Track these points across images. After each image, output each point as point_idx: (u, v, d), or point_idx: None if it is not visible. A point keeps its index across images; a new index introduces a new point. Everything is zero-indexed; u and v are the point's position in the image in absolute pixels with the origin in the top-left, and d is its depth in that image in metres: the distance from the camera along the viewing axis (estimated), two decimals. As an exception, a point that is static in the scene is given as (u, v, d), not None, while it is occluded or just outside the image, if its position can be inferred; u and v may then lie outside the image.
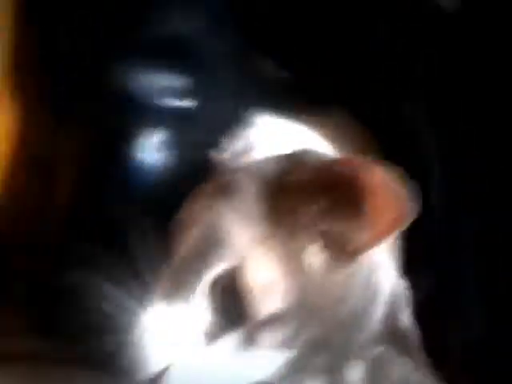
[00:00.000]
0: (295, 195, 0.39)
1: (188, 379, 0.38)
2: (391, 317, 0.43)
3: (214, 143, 0.50)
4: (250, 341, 0.38)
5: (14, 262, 0.55)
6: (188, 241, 0.40)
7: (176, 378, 0.38)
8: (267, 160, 0.44)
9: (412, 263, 0.46)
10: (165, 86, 0.48)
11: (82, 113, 0.49)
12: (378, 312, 0.42)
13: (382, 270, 0.42)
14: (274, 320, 0.37)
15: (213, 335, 0.38)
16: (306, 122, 0.52)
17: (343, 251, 0.38)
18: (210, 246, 0.39)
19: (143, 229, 0.40)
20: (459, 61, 0.53)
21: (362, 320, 0.40)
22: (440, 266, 0.49)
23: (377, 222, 0.36)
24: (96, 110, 0.48)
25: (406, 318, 0.44)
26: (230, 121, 0.51)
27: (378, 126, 0.51)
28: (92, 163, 0.48)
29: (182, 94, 0.48)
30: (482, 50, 0.52)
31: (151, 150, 0.47)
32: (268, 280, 0.37)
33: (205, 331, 0.39)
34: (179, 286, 0.39)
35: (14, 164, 0.54)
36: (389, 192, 0.34)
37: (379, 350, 0.43)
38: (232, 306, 0.38)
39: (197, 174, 0.45)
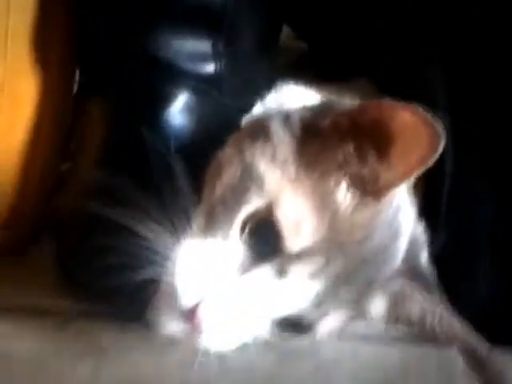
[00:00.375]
0: (326, 139, 0.42)
1: (222, 310, 0.40)
2: (412, 255, 0.46)
3: (240, 107, 0.52)
4: (281, 273, 0.40)
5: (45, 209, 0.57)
6: (223, 181, 0.43)
7: (210, 310, 0.40)
8: (299, 107, 0.46)
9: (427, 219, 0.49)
10: (193, 51, 0.50)
11: (109, 76, 0.51)
12: (400, 249, 0.45)
13: (403, 210, 0.44)
14: (303, 254, 0.40)
15: (246, 268, 0.41)
16: (327, 90, 0.54)
17: (370, 190, 0.41)
18: (245, 184, 0.41)
19: (175, 176, 0.42)
20: (477, 22, 0.54)
21: (384, 256, 0.43)
22: (454, 223, 0.51)
23: (403, 161, 0.38)
24: (125, 74, 0.50)
25: (424, 258, 0.46)
26: (255, 86, 0.54)
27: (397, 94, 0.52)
28: (120, 124, 0.49)
29: (209, 58, 0.50)
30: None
31: (180, 112, 0.49)
32: (298, 216, 0.40)
33: (238, 264, 0.41)
34: (215, 222, 0.42)
35: (38, 127, 0.55)
36: (416, 131, 0.37)
37: (400, 284, 0.46)
38: (264, 240, 0.40)
39: (223, 136, 0.47)
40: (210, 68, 0.50)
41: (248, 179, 0.41)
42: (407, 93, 0.48)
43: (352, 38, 0.58)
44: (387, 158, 0.39)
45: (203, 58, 0.50)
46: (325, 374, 0.48)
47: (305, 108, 0.46)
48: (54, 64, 0.56)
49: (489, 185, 0.53)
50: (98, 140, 0.50)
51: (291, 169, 0.41)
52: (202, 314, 0.40)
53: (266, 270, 0.40)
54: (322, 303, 0.42)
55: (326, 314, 0.43)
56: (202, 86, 0.50)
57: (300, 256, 0.40)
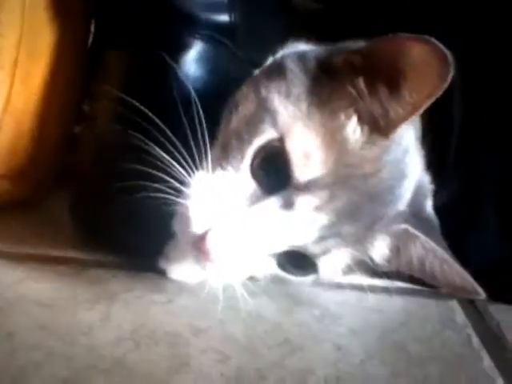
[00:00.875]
0: (339, 76, 0.43)
1: (230, 239, 0.42)
2: (417, 200, 0.47)
3: (251, 59, 0.53)
4: (288, 204, 0.42)
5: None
6: (239, 114, 0.44)
7: (219, 238, 0.41)
8: (314, 47, 0.48)
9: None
10: (209, 0, 0.51)
11: (125, 27, 0.52)
12: (405, 193, 0.46)
13: (411, 154, 0.46)
14: (310, 186, 0.41)
15: (255, 199, 0.43)
16: None
17: (379, 126, 0.42)
18: (259, 117, 0.43)
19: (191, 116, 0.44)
20: None
21: (390, 195, 0.45)
22: (461, 176, 0.53)
23: (414, 92, 0.39)
24: (140, 23, 0.51)
25: (429, 206, 0.48)
26: (267, 40, 0.55)
27: None
28: (137, 73, 0.50)
29: (224, 8, 0.51)
30: None
31: (194, 61, 0.50)
32: (308, 149, 0.41)
33: (248, 196, 0.43)
34: (228, 154, 0.43)
35: (53, 79, 0.56)
36: (426, 61, 0.38)
37: (404, 227, 0.47)
38: (274, 174, 0.42)
39: (235, 86, 0.48)
40: (224, 18, 0.51)
41: (262, 112, 0.43)
42: None
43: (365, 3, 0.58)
44: (397, 92, 0.40)
45: (218, 8, 0.51)
46: (329, 321, 0.49)
47: (320, 48, 0.48)
48: (69, 19, 0.57)
49: (495, 143, 0.54)
50: (116, 87, 0.51)
51: (304, 104, 0.43)
52: (210, 242, 0.41)
53: (273, 202, 0.42)
54: (326, 237, 0.43)
55: (329, 250, 0.44)
56: (216, 36, 0.51)
57: (307, 188, 0.41)
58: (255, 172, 0.43)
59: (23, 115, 0.56)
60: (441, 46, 0.36)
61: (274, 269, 0.47)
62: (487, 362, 0.46)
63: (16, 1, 0.52)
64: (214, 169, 0.44)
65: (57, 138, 0.61)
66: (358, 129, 0.42)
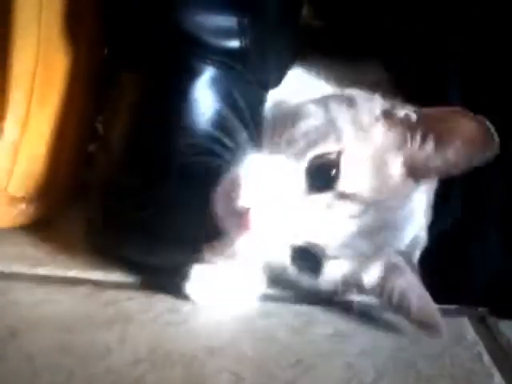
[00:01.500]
0: (395, 122, 0.50)
1: (270, 218, 0.46)
2: (411, 247, 0.52)
3: (262, 82, 0.55)
4: (329, 205, 0.47)
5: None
6: (305, 123, 0.50)
7: (261, 214, 0.46)
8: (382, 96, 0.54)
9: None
10: (220, 27, 0.51)
11: (136, 50, 0.53)
12: (410, 234, 0.52)
13: (424, 206, 0.53)
14: (351, 197, 0.47)
15: (301, 192, 0.48)
16: (342, 68, 0.59)
17: (415, 172, 0.49)
18: (325, 131, 0.49)
19: None
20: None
21: (402, 231, 0.51)
22: (467, 192, 0.55)
23: (458, 156, 0.46)
24: (152, 48, 0.52)
25: (417, 256, 0.53)
26: (277, 63, 0.56)
27: (409, 78, 0.57)
28: (149, 97, 0.52)
29: (234, 34, 0.52)
30: None
31: (206, 86, 0.51)
32: (358, 168, 0.48)
33: (296, 186, 0.48)
34: (290, 147, 0.49)
35: (70, 97, 0.57)
36: (477, 137, 0.44)
37: (398, 259, 0.51)
38: (322, 176, 0.48)
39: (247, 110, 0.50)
40: (235, 43, 0.52)
41: (330, 128, 0.49)
42: (419, 82, 0.54)
43: (368, 20, 0.59)
44: (443, 151, 0.47)
45: (229, 34, 0.52)
46: (340, 340, 0.50)
47: (385, 100, 0.53)
48: (83, 40, 0.58)
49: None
50: (128, 112, 0.53)
51: (365, 133, 0.49)
52: (254, 214, 0.45)
53: (318, 199, 0.47)
54: (347, 245, 0.48)
55: (338, 256, 0.49)
56: (227, 61, 0.52)
57: (348, 197, 0.47)
58: (307, 171, 0.48)
59: (40, 138, 0.57)
60: (491, 127, 0.43)
61: (286, 259, 0.50)
62: (498, 379, 0.47)
63: (31, 25, 0.53)
64: (271, 153, 0.49)
65: (72, 158, 0.62)
66: (400, 169, 0.49)
